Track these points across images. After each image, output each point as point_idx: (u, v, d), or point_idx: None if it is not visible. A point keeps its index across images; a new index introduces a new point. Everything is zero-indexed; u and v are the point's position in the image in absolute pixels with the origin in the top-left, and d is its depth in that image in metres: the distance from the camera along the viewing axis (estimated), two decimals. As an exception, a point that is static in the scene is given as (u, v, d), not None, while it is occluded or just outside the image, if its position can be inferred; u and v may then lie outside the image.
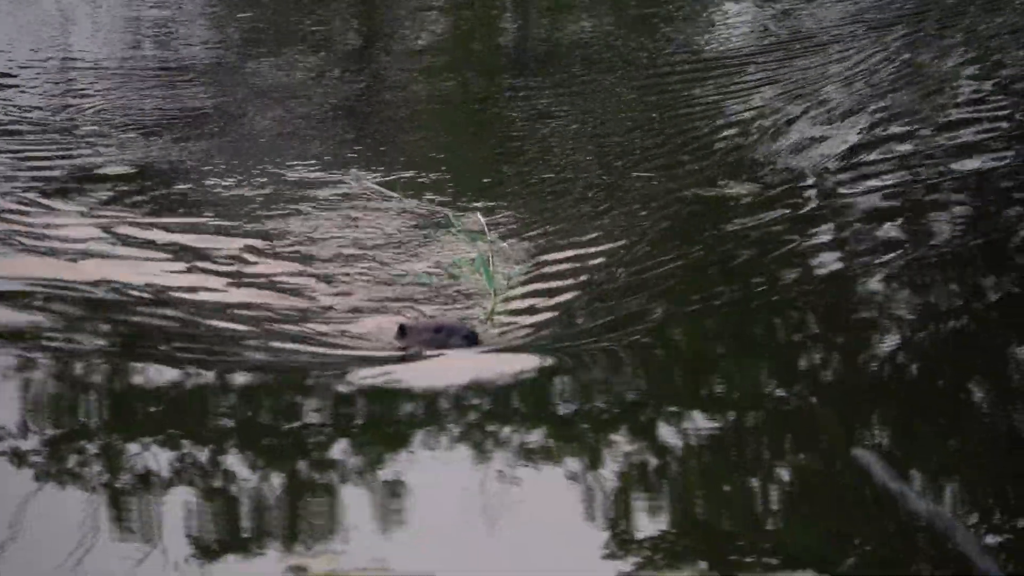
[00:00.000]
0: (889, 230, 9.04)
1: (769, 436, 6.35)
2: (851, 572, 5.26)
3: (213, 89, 14.79)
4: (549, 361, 7.07)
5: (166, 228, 10.05)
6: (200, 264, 9.30)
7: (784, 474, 5.94)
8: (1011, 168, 9.82)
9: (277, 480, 5.99)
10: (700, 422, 6.48)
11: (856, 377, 6.94)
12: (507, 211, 10.58)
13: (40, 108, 14.00)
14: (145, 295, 8.35)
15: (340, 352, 7.66)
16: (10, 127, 13.19)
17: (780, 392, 6.80)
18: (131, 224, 10.12)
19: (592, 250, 9.36)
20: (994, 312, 7.63)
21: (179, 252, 9.51)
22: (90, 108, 14.01)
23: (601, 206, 10.48)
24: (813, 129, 11.72)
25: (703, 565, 5.28)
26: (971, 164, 10.05)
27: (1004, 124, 10.77)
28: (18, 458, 6.17)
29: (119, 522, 5.65)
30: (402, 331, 7.79)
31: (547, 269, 9.10)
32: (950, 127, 10.93)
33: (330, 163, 12.06)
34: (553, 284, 8.77)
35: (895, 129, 11.17)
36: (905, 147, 10.69)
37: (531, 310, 8.35)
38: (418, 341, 7.66)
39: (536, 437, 6.30)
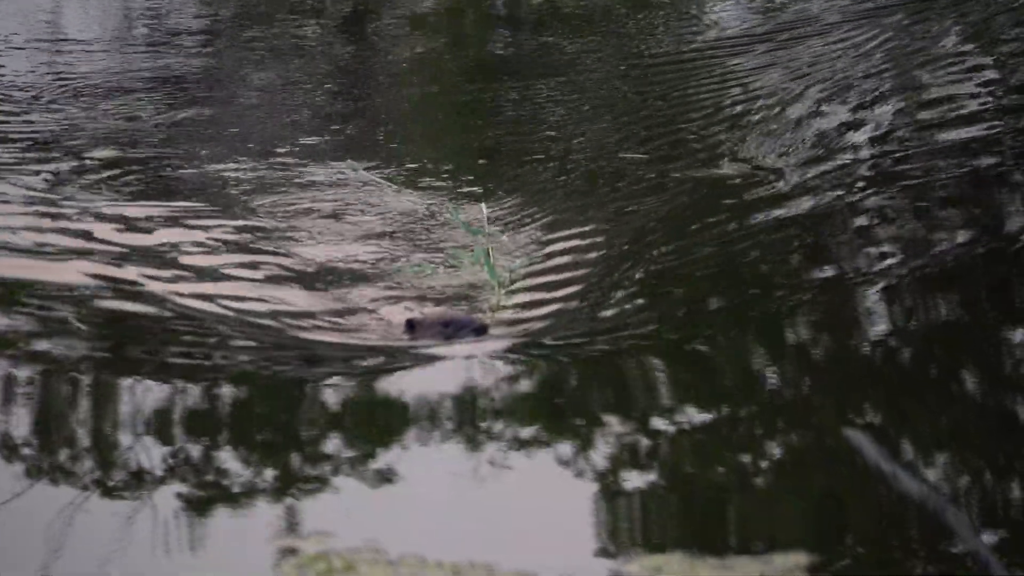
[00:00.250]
0: (882, 213, 9.04)
1: (761, 417, 6.35)
2: (842, 552, 5.26)
3: (204, 62, 14.73)
4: (552, 354, 7.04)
5: (151, 212, 9.98)
6: (189, 250, 9.22)
7: (776, 454, 5.94)
8: (1005, 153, 9.82)
9: (268, 463, 5.98)
10: (692, 403, 6.48)
11: (848, 358, 6.95)
12: (501, 192, 10.57)
13: (29, 85, 13.94)
14: (128, 282, 8.31)
15: (345, 345, 7.59)
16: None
17: (772, 373, 6.80)
18: (115, 206, 10.06)
19: (593, 236, 9.34)
20: (985, 294, 7.64)
21: (166, 237, 9.44)
22: (78, 83, 13.95)
23: (597, 190, 10.47)
24: (809, 113, 11.72)
25: (693, 546, 5.28)
26: (965, 149, 10.06)
27: (1000, 112, 10.78)
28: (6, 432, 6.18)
29: (108, 502, 5.65)
30: (410, 325, 7.63)
31: (549, 261, 9.03)
32: (945, 113, 10.93)
33: (324, 146, 12.01)
34: (556, 276, 8.69)
35: (887, 114, 11.18)
36: (899, 132, 10.69)
37: (537, 303, 8.28)
38: (427, 335, 7.49)
39: (530, 425, 6.30)
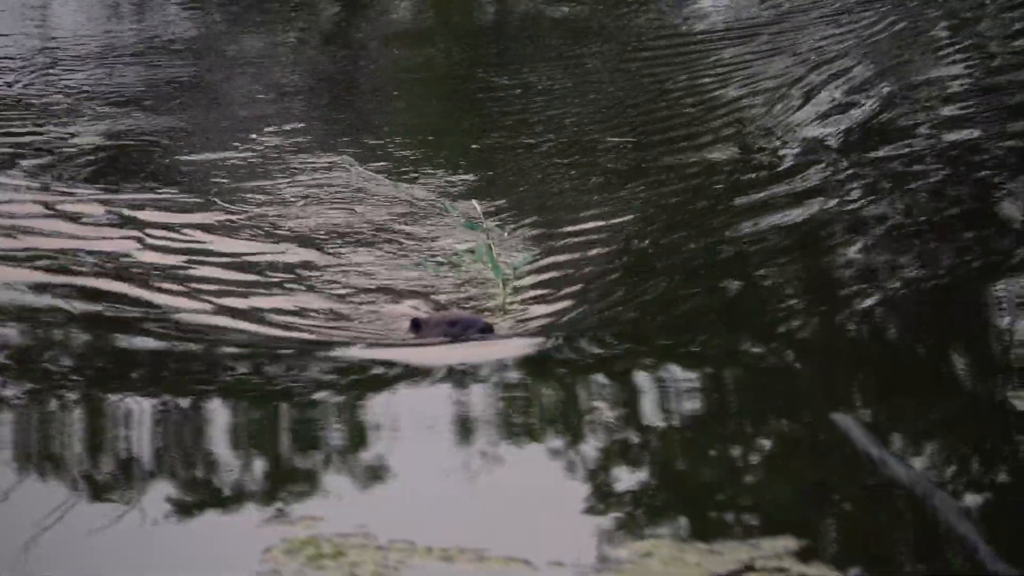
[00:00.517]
0: (872, 199, 9.05)
1: (750, 400, 6.37)
2: (831, 537, 5.27)
3: (192, 61, 14.71)
4: (551, 352, 7.03)
5: (137, 204, 9.95)
6: (184, 244, 9.19)
7: (764, 438, 5.95)
8: (993, 141, 9.83)
9: (258, 449, 5.98)
10: (682, 386, 6.49)
11: (836, 342, 6.96)
12: (494, 181, 10.56)
13: (17, 82, 13.92)
14: (115, 271, 8.29)
15: (350, 343, 7.58)
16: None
17: (761, 357, 6.82)
18: (103, 201, 10.02)
19: (592, 229, 9.32)
20: (974, 280, 7.65)
21: (151, 229, 9.41)
22: (67, 81, 13.93)
23: (591, 179, 10.47)
24: (797, 100, 11.74)
25: (683, 528, 5.29)
26: (957, 136, 10.07)
27: (991, 100, 10.79)
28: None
29: (100, 489, 5.64)
30: (415, 325, 7.57)
31: (550, 257, 9.00)
32: (938, 101, 10.94)
33: (314, 139, 11.99)
34: (558, 273, 8.66)
35: (878, 101, 11.18)
36: (888, 117, 10.71)
37: (542, 300, 8.23)
38: (432, 335, 7.44)
39: (521, 416, 6.31)
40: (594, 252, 8.98)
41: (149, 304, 7.85)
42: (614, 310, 7.79)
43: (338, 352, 7.20)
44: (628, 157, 11.06)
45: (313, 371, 6.85)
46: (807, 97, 11.64)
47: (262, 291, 8.46)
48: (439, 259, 9.02)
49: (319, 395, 6.56)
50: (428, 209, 10.19)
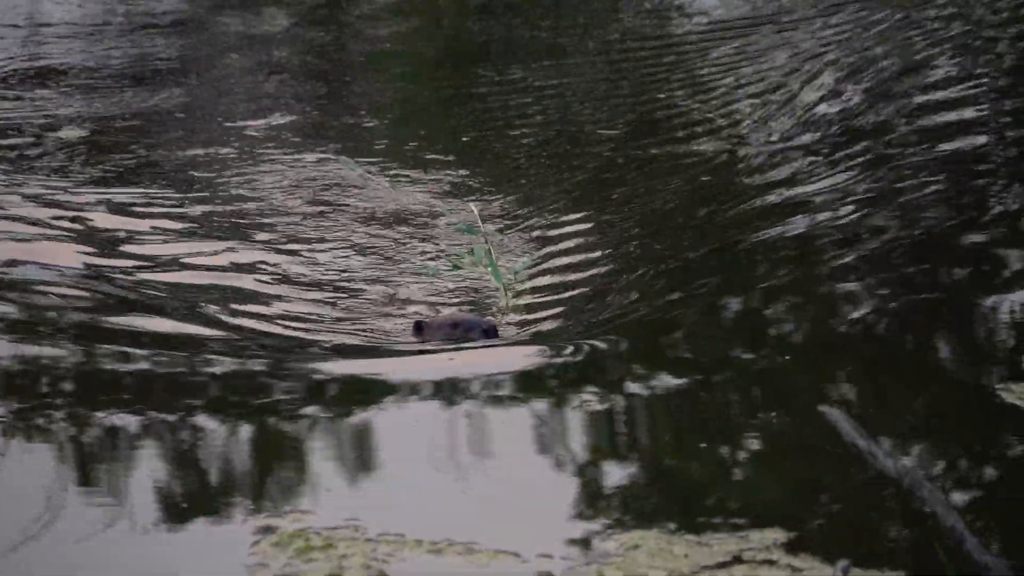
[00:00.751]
0: (858, 192, 9.07)
1: (738, 394, 6.38)
2: (819, 529, 5.28)
3: (180, 45, 14.66)
4: (555, 353, 7.04)
5: (124, 197, 9.89)
6: (174, 240, 9.15)
7: (752, 431, 5.97)
8: (982, 134, 9.86)
9: (247, 443, 5.99)
10: (671, 380, 6.51)
11: (824, 335, 6.98)
12: (486, 180, 10.55)
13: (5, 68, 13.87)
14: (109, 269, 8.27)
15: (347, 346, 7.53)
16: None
17: (749, 350, 6.83)
18: (90, 192, 9.96)
19: (587, 228, 9.31)
20: (962, 272, 7.67)
21: (144, 227, 9.37)
22: (57, 66, 13.87)
23: (584, 174, 10.47)
24: (781, 94, 11.76)
25: (671, 523, 5.30)
26: (940, 128, 10.10)
27: (973, 95, 10.81)
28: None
29: (88, 484, 5.64)
30: (418, 328, 7.50)
31: (551, 260, 8.95)
32: (921, 95, 10.96)
33: (301, 130, 11.96)
34: (559, 277, 8.62)
35: (865, 97, 11.21)
36: (876, 115, 10.72)
37: (544, 303, 8.19)
38: (436, 337, 7.38)
39: (507, 406, 6.32)
40: (592, 252, 8.96)
41: (137, 304, 7.83)
42: (613, 311, 7.79)
43: (334, 358, 7.19)
44: (619, 152, 11.07)
45: (310, 373, 6.85)
46: (801, 98, 11.66)
47: (257, 291, 8.40)
48: (439, 262, 8.93)
49: (309, 393, 6.57)
50: (423, 210, 10.12)
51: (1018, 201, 8.52)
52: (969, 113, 10.20)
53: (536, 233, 9.54)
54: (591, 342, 7.07)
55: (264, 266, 8.85)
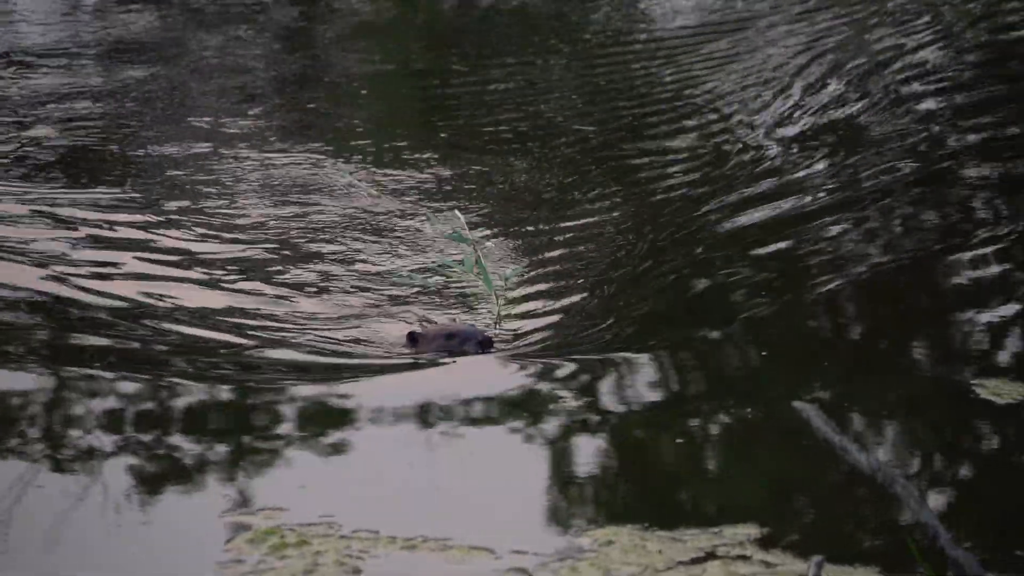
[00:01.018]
0: (833, 187, 9.10)
1: (712, 390, 6.40)
2: (792, 524, 5.30)
3: (154, 61, 14.61)
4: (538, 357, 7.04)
5: (96, 205, 9.79)
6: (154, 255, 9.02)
7: (726, 427, 5.99)
8: (953, 125, 9.89)
9: (222, 441, 5.99)
10: (646, 375, 6.52)
11: (798, 332, 7.00)
12: (466, 182, 10.52)
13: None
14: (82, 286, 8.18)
15: (346, 362, 7.39)
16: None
17: (723, 346, 6.85)
18: (72, 205, 9.85)
19: (575, 235, 9.27)
20: (935, 269, 7.70)
21: (125, 237, 9.27)
22: (29, 83, 13.80)
23: (565, 180, 10.46)
24: (754, 90, 11.79)
25: (645, 519, 5.31)
26: (916, 122, 10.12)
27: (946, 89, 10.86)
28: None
29: (62, 479, 5.64)
30: (412, 339, 7.35)
31: (541, 268, 8.87)
32: (894, 87, 10.99)
33: (279, 138, 11.90)
34: (551, 284, 8.54)
35: (835, 89, 11.25)
36: (848, 106, 10.76)
37: (537, 312, 8.11)
38: (430, 348, 7.24)
39: (483, 406, 6.33)
40: (581, 258, 8.91)
41: (122, 309, 7.78)
42: (603, 314, 7.78)
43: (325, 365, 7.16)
44: (598, 153, 11.07)
45: (286, 378, 6.85)
46: (777, 93, 11.70)
47: (244, 301, 8.26)
48: (427, 270, 8.82)
49: (287, 396, 6.57)
50: (409, 217, 10.01)
51: (992, 202, 8.56)
52: (938, 106, 10.25)
53: (521, 239, 9.48)
54: (572, 346, 7.10)
55: (245, 273, 8.75)
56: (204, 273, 8.67)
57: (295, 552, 5.13)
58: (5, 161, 10.89)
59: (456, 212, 9.06)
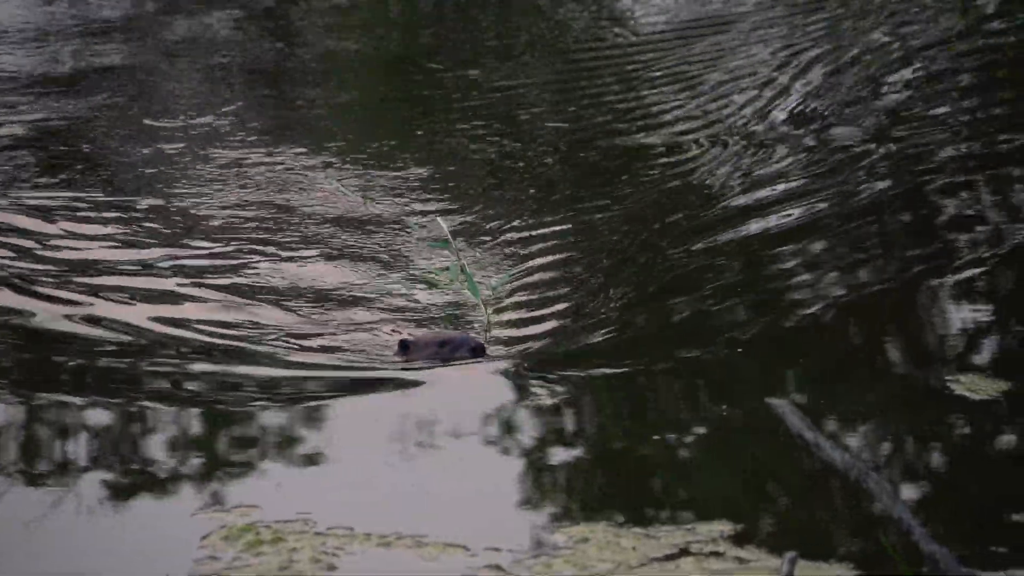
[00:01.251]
0: (807, 187, 9.13)
1: (687, 386, 6.42)
2: (766, 521, 5.32)
3: (128, 48, 14.52)
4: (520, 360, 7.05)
5: (66, 202, 9.69)
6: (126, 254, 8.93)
7: (700, 423, 6.00)
8: (932, 136, 9.93)
9: (196, 440, 6.00)
10: (621, 372, 6.54)
11: (772, 330, 7.01)
12: (445, 183, 10.48)
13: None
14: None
15: (335, 371, 7.27)
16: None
17: (698, 344, 6.87)
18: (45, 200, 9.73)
19: (560, 241, 9.23)
20: (907, 270, 7.72)
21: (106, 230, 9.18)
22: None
23: (544, 181, 10.44)
24: (728, 88, 11.81)
25: (620, 515, 5.33)
26: (887, 119, 10.16)
27: (918, 85, 10.90)
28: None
29: (35, 475, 5.65)
30: (403, 347, 7.24)
31: (528, 275, 8.79)
32: (866, 86, 11.03)
33: (254, 133, 11.81)
34: (537, 292, 8.49)
35: (800, 86, 11.28)
36: (821, 104, 10.79)
37: (527, 319, 8.08)
38: (422, 356, 7.16)
39: (460, 407, 6.35)
40: (566, 263, 8.86)
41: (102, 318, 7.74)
42: (591, 319, 7.78)
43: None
44: (576, 151, 11.06)
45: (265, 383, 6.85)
46: (734, 86, 11.74)
47: (228, 312, 8.14)
48: (411, 278, 8.74)
49: (264, 396, 6.58)
50: (390, 224, 9.86)
51: (969, 198, 8.59)
52: (920, 112, 10.28)
53: (505, 246, 9.40)
54: (554, 351, 7.12)
55: (226, 278, 8.64)
56: (171, 274, 8.60)
57: (271, 549, 5.15)
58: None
59: (438, 219, 8.96)
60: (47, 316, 7.55)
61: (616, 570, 5.01)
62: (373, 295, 8.43)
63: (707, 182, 9.69)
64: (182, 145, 11.46)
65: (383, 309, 8.23)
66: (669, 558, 5.06)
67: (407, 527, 5.27)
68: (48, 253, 8.71)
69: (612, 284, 8.16)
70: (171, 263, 8.73)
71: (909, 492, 5.47)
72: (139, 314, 7.75)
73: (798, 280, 7.62)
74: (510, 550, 5.13)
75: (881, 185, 9.01)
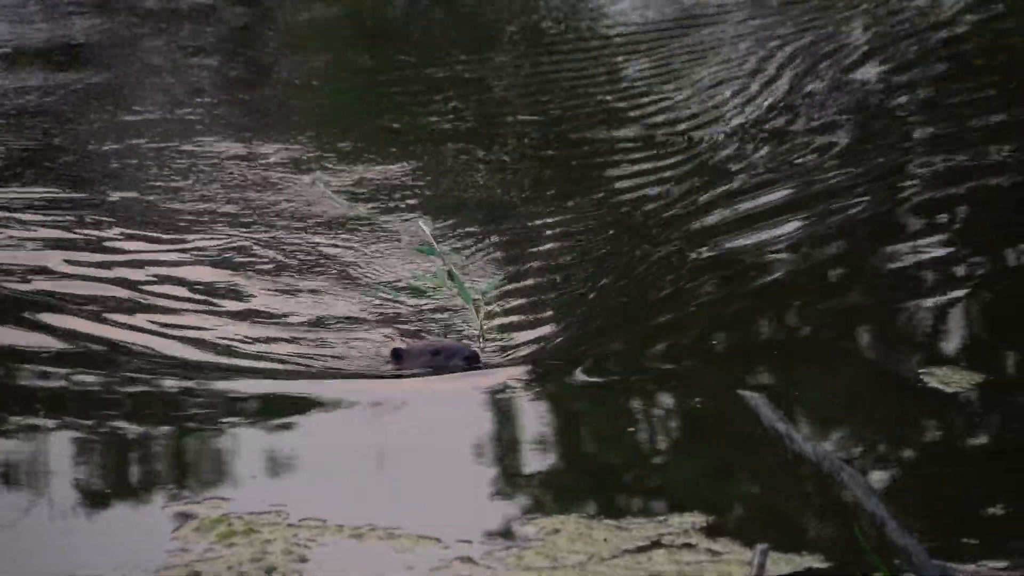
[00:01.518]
0: (777, 179, 9.15)
1: (658, 378, 6.43)
2: (738, 513, 5.33)
3: (100, 65, 14.45)
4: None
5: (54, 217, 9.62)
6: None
7: (672, 415, 6.01)
8: (901, 122, 9.96)
9: (167, 432, 6.00)
10: (593, 364, 6.55)
11: (743, 322, 7.03)
12: (421, 182, 10.48)
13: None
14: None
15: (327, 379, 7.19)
16: None
17: (670, 335, 6.88)
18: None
19: (548, 246, 9.20)
20: (877, 261, 7.74)
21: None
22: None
23: (525, 181, 10.45)
24: (702, 84, 11.84)
25: (591, 507, 5.33)
26: (863, 116, 10.20)
27: (890, 82, 10.93)
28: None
29: (7, 469, 5.64)
30: (396, 355, 7.13)
31: (517, 280, 8.75)
32: (843, 84, 11.06)
33: (231, 140, 11.73)
34: (526, 296, 8.44)
35: (776, 83, 11.31)
36: (796, 99, 10.81)
37: (520, 325, 8.03)
38: (415, 365, 7.04)
39: (435, 400, 6.36)
40: (555, 268, 8.83)
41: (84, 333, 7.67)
42: (583, 325, 7.78)
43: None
44: (552, 150, 11.07)
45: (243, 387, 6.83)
46: (712, 83, 11.77)
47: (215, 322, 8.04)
48: (398, 285, 8.63)
49: (242, 398, 6.57)
50: (373, 229, 9.74)
51: (938, 197, 8.62)
52: (895, 112, 10.33)
53: (491, 250, 9.34)
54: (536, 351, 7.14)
55: (207, 282, 8.54)
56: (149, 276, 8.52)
57: (243, 540, 5.14)
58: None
59: (421, 223, 8.87)
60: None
61: (588, 562, 5.01)
62: (365, 303, 8.33)
63: (689, 176, 9.71)
64: (153, 149, 11.41)
65: (369, 316, 8.15)
66: (641, 550, 5.07)
67: (380, 519, 5.27)
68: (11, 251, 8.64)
69: (597, 284, 8.18)
70: (142, 265, 8.63)
71: (883, 484, 5.49)
72: (105, 319, 7.71)
73: (773, 275, 7.64)
74: (482, 542, 5.14)
75: (851, 178, 9.03)
